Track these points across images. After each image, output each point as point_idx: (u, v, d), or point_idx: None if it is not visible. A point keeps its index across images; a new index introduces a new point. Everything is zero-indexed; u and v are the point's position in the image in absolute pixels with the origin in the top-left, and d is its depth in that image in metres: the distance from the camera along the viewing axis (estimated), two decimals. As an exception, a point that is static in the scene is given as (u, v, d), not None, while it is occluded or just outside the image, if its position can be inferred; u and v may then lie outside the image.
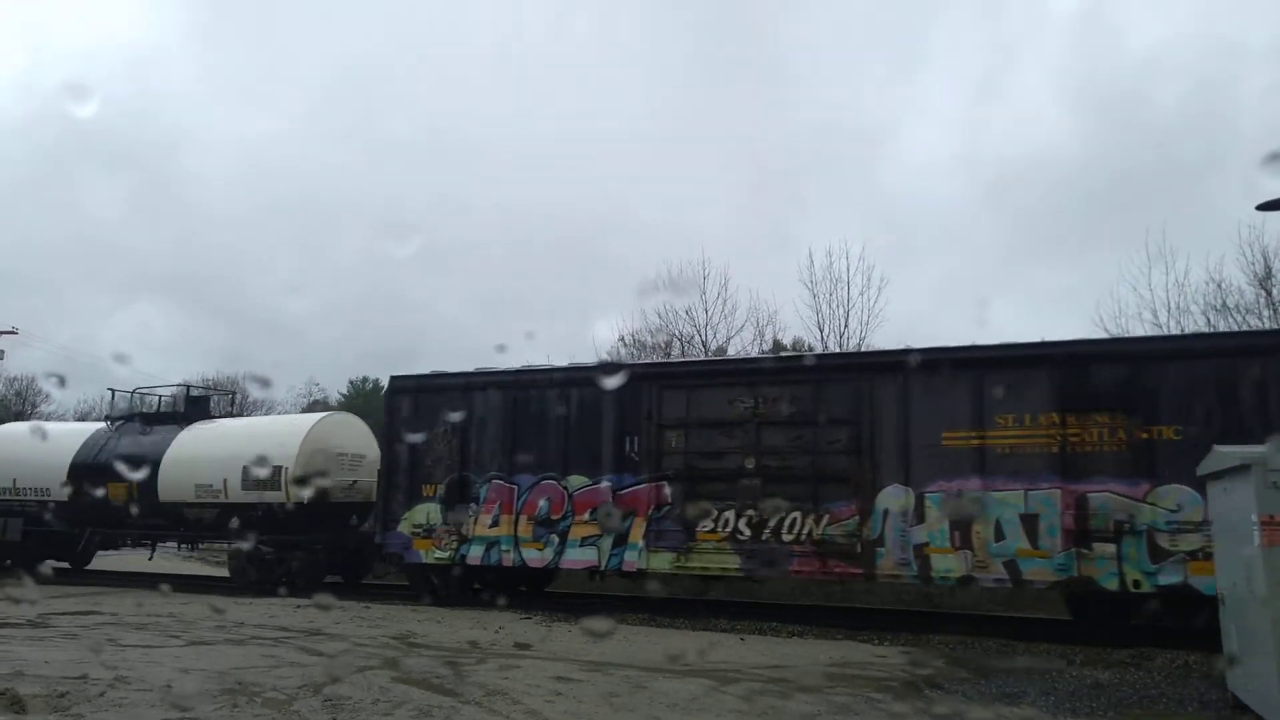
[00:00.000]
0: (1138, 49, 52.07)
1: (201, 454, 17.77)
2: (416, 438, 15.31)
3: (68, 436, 19.84)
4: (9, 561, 19.14)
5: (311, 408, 43.48)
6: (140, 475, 17.65)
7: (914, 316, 29.94)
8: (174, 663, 8.84)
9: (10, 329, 35.66)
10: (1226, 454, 7.71)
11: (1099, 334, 20.82)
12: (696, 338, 27.05)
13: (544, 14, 72.34)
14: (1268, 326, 18.76)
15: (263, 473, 16.74)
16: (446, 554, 14.92)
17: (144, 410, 20.11)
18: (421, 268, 61.61)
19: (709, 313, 26.77)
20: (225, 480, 17.21)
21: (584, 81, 67.40)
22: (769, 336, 27.53)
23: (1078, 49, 55.98)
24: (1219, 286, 19.61)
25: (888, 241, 53.98)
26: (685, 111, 62.51)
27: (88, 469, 18.50)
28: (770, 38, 62.37)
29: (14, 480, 19.40)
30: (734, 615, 13.37)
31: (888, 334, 29.48)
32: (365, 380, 49.98)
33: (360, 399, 45.62)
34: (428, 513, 15.12)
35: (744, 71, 61.47)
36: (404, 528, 15.33)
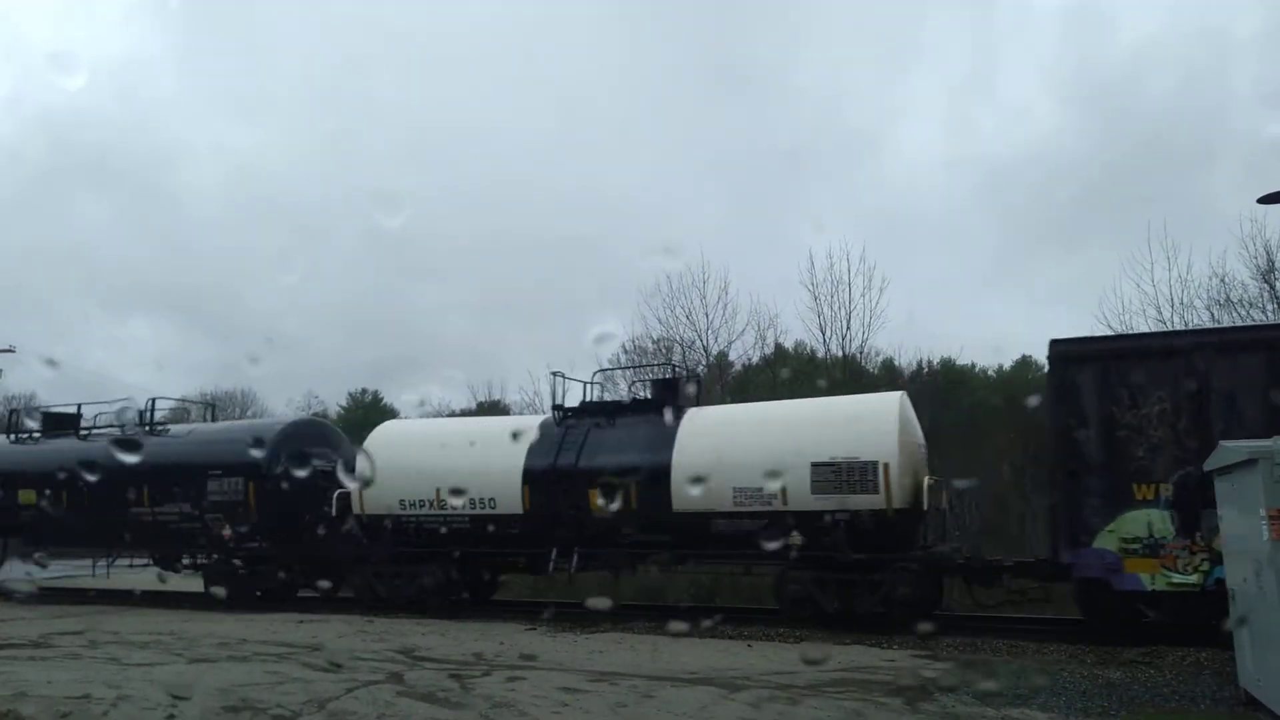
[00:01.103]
0: (1126, 41, 52.22)
1: (739, 448, 13.36)
2: (1118, 416, 11.23)
3: (500, 434, 15.78)
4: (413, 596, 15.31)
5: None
6: (636, 479, 13.70)
7: (912, 316, 29.91)
8: (178, 679, 8.76)
9: (7, 347, 35.57)
10: (1234, 448, 7.67)
11: (1102, 330, 20.82)
12: (698, 342, 27.02)
13: (533, 20, 72.51)
14: (1271, 321, 18.73)
15: (849, 470, 12.43)
16: (1191, 578, 10.81)
17: (601, 400, 16.32)
18: (416, 278, 61.41)
19: (710, 316, 26.76)
20: (784, 482, 12.66)
21: (576, 89, 67.56)
22: (770, 340, 27.52)
23: (1067, 42, 56.19)
24: (1222, 281, 19.60)
25: (884, 241, 53.94)
26: (678, 116, 62.68)
27: (553, 474, 14.49)
28: (759, 40, 62.55)
29: (436, 491, 15.22)
30: (740, 621, 13.28)
31: (890, 335, 29.53)
32: (364, 392, 49.86)
33: (360, 411, 45.49)
34: (1148, 521, 10.95)
35: (734, 75, 61.62)
36: (1107, 542, 11.11)
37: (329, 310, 58.81)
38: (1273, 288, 19.14)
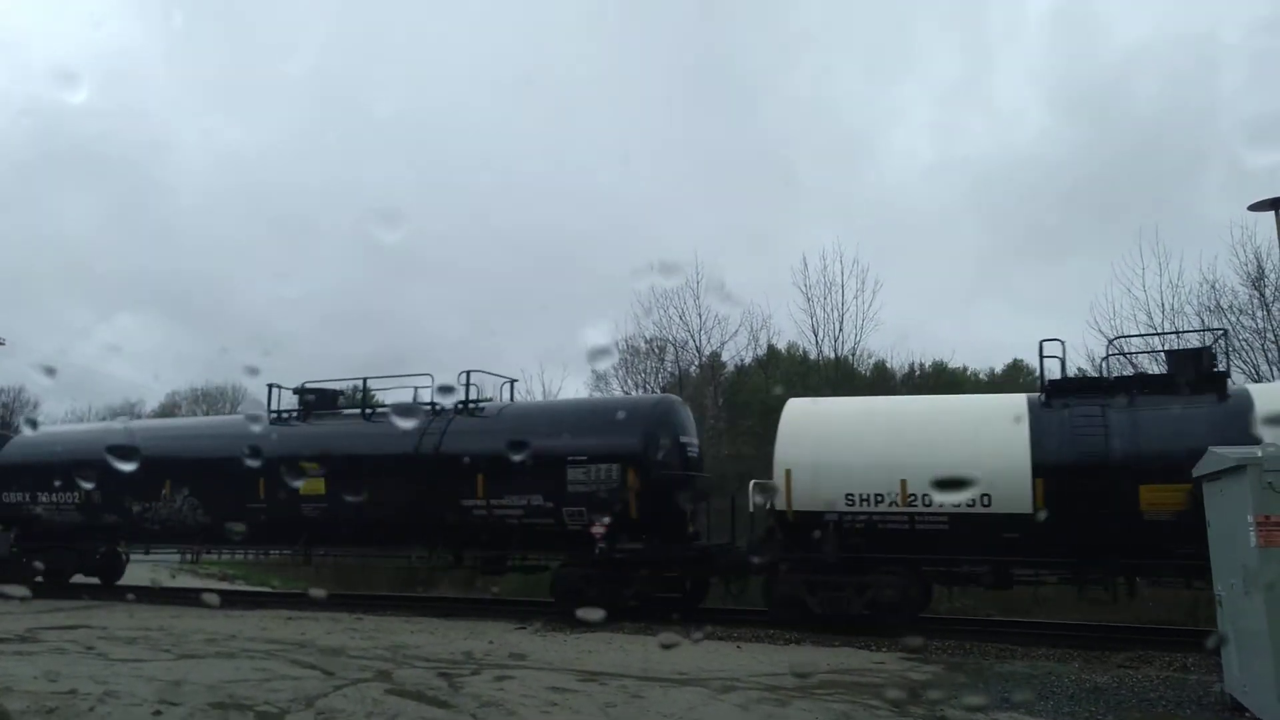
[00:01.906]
0: (1116, 45, 52.35)
1: None
2: None
3: (986, 415, 13.02)
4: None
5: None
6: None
7: (903, 320, 30.03)
8: (165, 675, 8.73)
9: (-2, 340, 35.32)
10: (1222, 455, 7.71)
11: (1093, 336, 20.91)
12: (690, 343, 27.04)
13: (525, 18, 72.31)
14: (1260, 327, 18.87)
15: None
16: None
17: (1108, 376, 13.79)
18: (409, 276, 61.12)
19: (702, 317, 26.77)
20: None
21: (567, 88, 67.42)
22: (763, 341, 27.56)
23: (1055, 47, 56.30)
24: (1213, 287, 19.70)
25: (874, 245, 54.06)
26: (668, 119, 62.61)
27: (1082, 466, 11.70)
28: (749, 44, 62.58)
29: (902, 484, 12.27)
30: (730, 623, 13.29)
31: (883, 338, 29.60)
32: (356, 391, 49.68)
33: (348, 405, 45.26)
34: None
35: (724, 78, 61.60)
36: None
37: (321, 306, 58.58)
38: (1262, 294, 19.26)
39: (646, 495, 13.53)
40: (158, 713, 7.09)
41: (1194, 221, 35.35)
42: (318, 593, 16.16)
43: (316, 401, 17.23)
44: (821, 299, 25.39)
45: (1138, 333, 20.11)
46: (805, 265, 25.75)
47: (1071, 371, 20.65)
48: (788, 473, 12.79)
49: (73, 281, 67.21)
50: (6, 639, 11.34)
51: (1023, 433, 12.02)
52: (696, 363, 27.46)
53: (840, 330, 25.25)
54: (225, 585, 22.77)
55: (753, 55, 61.45)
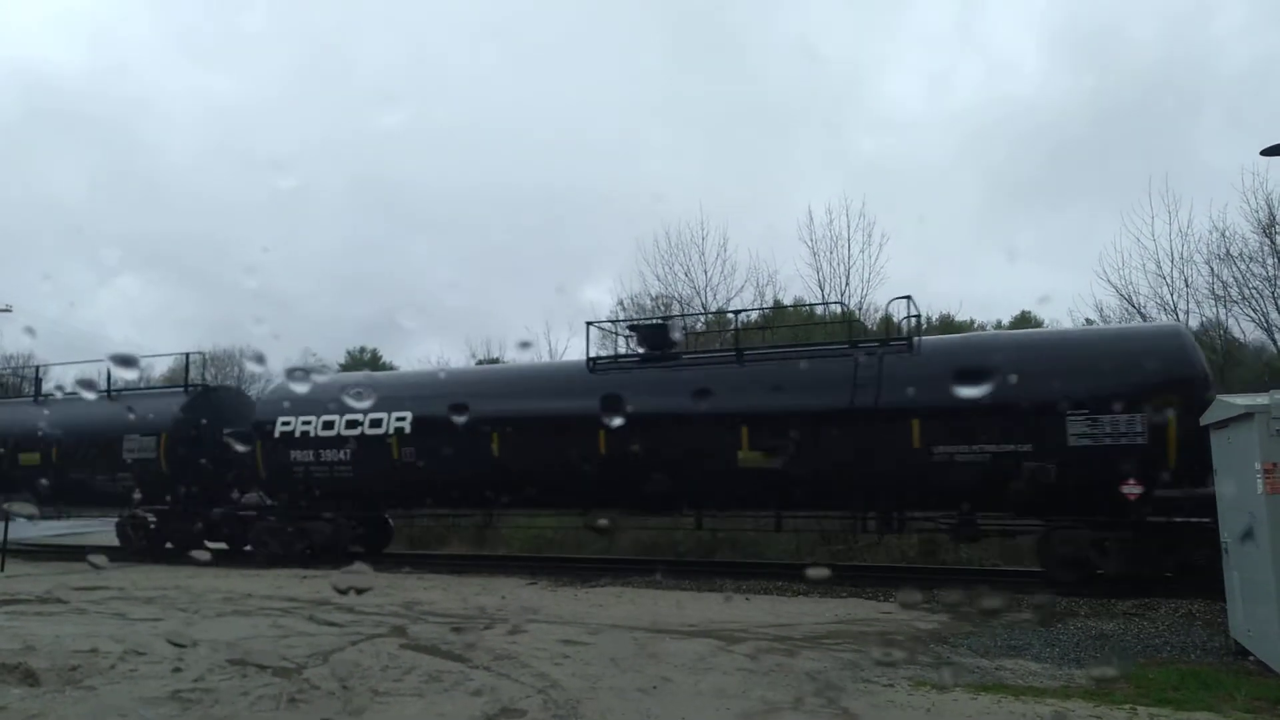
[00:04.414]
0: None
1: None
2: None
3: None
4: None
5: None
6: None
7: (907, 273, 29.89)
8: (183, 633, 8.88)
9: (4, 307, 35.47)
10: (1230, 403, 7.69)
11: (1101, 285, 20.78)
12: (696, 299, 26.96)
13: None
14: (1270, 274, 18.68)
15: None
16: None
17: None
18: (407, 232, 60.79)
19: (708, 274, 26.64)
20: None
21: (556, 44, 66.57)
22: (769, 296, 27.45)
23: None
24: (1223, 235, 19.45)
25: (873, 198, 53.51)
26: (670, 76, 61.85)
27: None
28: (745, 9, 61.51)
29: None
30: (740, 576, 13.43)
31: (890, 291, 29.39)
32: (362, 350, 49.76)
33: (361, 370, 45.43)
34: None
35: (712, 29, 60.63)
36: None
37: (320, 265, 58.43)
38: (1273, 241, 19.01)
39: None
40: (177, 669, 7.23)
41: (1198, 168, 34.99)
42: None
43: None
44: (828, 253, 25.25)
45: (1148, 282, 19.96)
46: (811, 219, 25.58)
47: (1080, 322, 20.67)
48: None
49: (70, 244, 67.17)
50: (28, 600, 11.55)
51: None
52: (702, 319, 27.39)
53: (847, 284, 25.13)
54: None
55: (741, 3, 60.39)
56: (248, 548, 17.10)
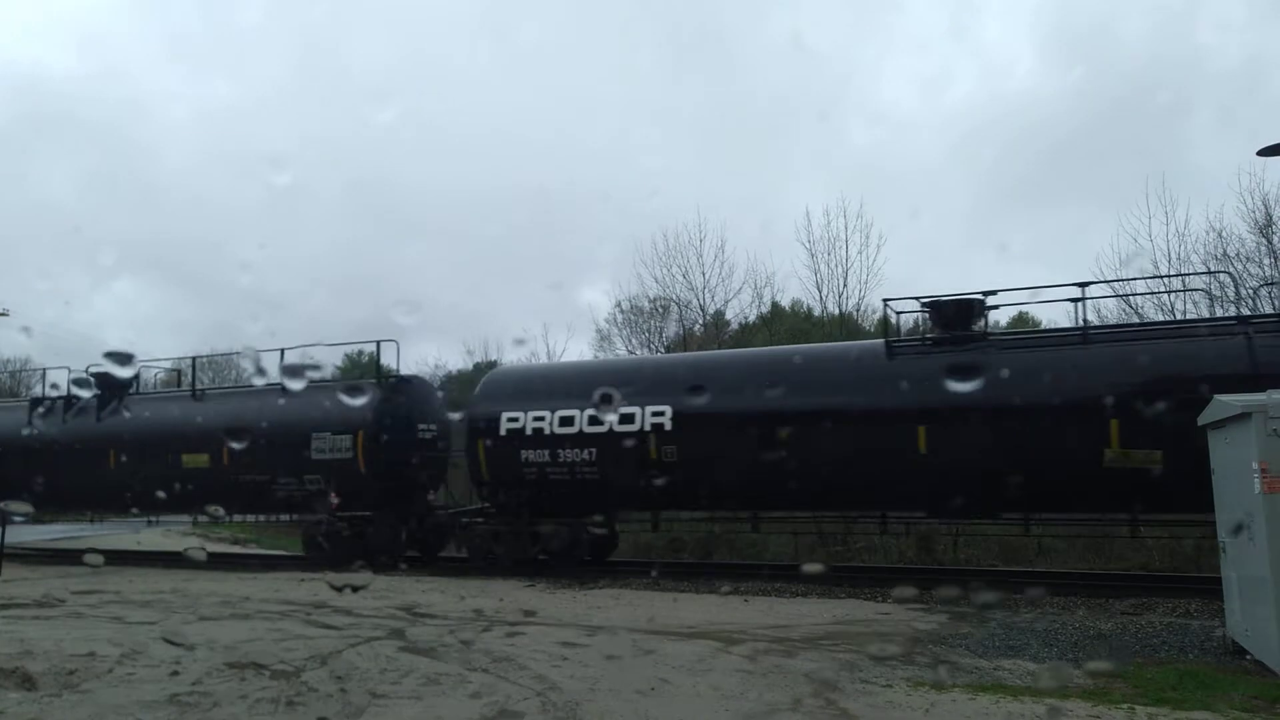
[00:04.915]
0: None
1: None
2: None
3: None
4: None
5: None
6: None
7: (902, 272, 29.94)
8: (180, 637, 8.85)
9: (1, 310, 35.39)
10: (1228, 403, 7.71)
11: (1101, 287, 20.76)
12: (694, 301, 26.98)
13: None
14: (1267, 275, 18.71)
15: None
16: None
17: None
18: (404, 234, 60.76)
19: (706, 275, 26.68)
20: None
21: (566, 46, 66.66)
22: (767, 298, 27.49)
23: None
24: (1220, 235, 19.48)
25: (864, 198, 53.62)
26: (664, 76, 61.92)
27: None
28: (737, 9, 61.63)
29: None
30: (738, 577, 13.43)
31: (886, 293, 29.41)
32: (360, 353, 49.64)
33: (357, 372, 45.34)
34: None
35: (704, 32, 60.74)
36: None
37: (315, 267, 58.32)
38: (1270, 241, 19.07)
39: None
40: (175, 673, 7.21)
41: (1190, 166, 35.12)
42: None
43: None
44: (825, 255, 25.29)
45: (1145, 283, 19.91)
46: (809, 221, 25.60)
47: (1076, 322, 20.67)
48: None
49: (65, 248, 67.05)
50: (25, 604, 11.52)
51: None
52: (700, 321, 27.43)
53: (845, 286, 25.17)
54: (239, 548, 23.04)
55: (730, 4, 60.52)
56: (462, 552, 15.74)
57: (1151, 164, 39.49)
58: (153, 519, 21.83)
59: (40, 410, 19.12)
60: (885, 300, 13.89)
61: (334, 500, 15.45)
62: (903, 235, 48.41)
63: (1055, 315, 24.26)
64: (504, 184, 57.42)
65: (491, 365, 24.83)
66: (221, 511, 18.78)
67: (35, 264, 57.92)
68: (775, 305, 28.22)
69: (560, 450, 14.15)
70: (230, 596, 12.14)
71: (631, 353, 27.23)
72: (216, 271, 57.37)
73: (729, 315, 28.01)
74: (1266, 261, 18.84)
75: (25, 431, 18.66)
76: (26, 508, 17.68)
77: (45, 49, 77.99)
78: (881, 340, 13.22)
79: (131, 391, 18.60)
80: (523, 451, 14.38)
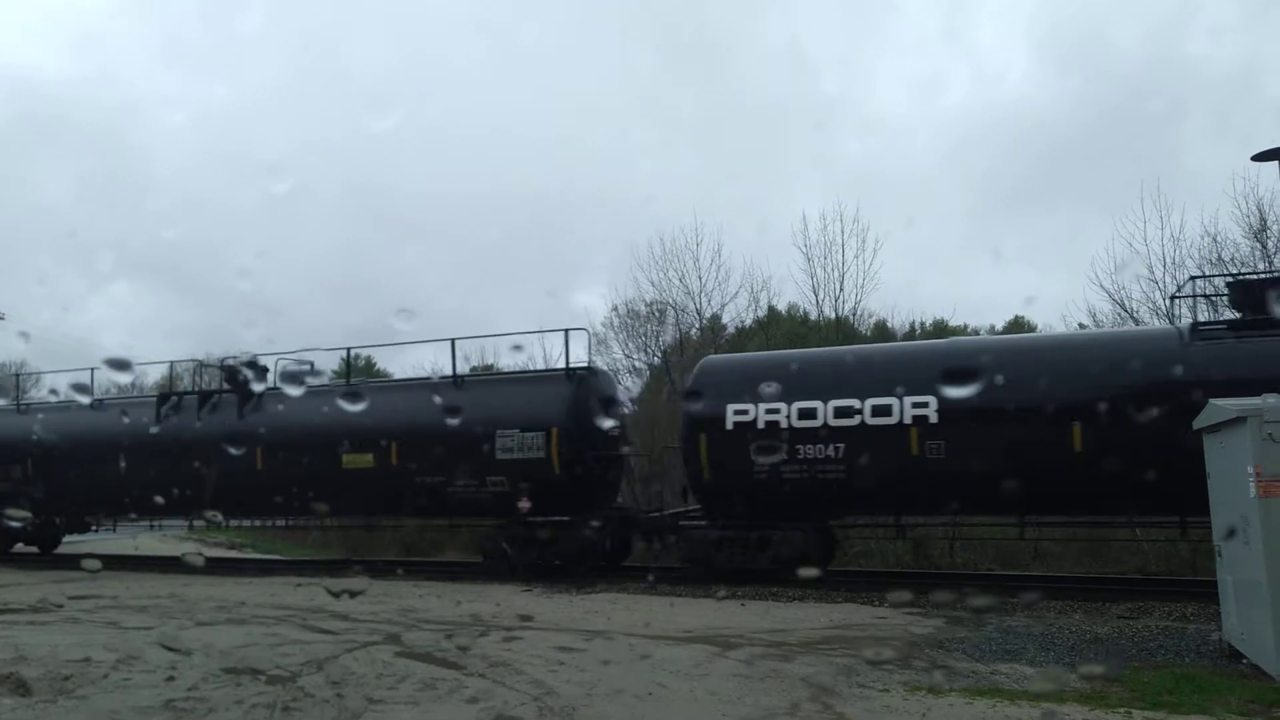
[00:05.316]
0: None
1: None
2: None
3: None
4: None
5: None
6: None
7: (897, 277, 30.05)
8: (176, 642, 8.83)
9: (-2, 315, 35.23)
10: (1223, 407, 7.72)
11: (1093, 290, 20.79)
12: (691, 305, 27.00)
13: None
14: (1263, 278, 18.76)
15: None
16: None
17: None
18: (401, 237, 60.69)
19: (703, 279, 26.70)
20: None
21: (562, 49, 66.72)
22: (764, 303, 27.53)
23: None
24: (1214, 240, 19.54)
25: (863, 202, 53.74)
26: (659, 80, 62.00)
27: None
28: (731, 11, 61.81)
29: None
30: (735, 582, 13.41)
31: (883, 298, 29.54)
32: (357, 357, 49.51)
33: (355, 378, 45.22)
34: None
35: (698, 36, 60.84)
36: None
37: (312, 271, 58.19)
38: (1264, 246, 19.13)
39: None
40: (171, 678, 7.20)
41: (1184, 171, 35.24)
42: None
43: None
44: (822, 259, 25.33)
45: (1140, 287, 19.94)
46: (805, 225, 25.66)
47: (1071, 326, 20.73)
48: None
49: (61, 251, 66.92)
50: (20, 609, 11.48)
51: None
52: (697, 325, 27.45)
53: (841, 290, 25.21)
54: (235, 553, 23.01)
55: (726, 8, 60.68)
56: (660, 561, 14.42)
57: (1146, 169, 39.64)
58: (316, 522, 19.69)
59: (168, 407, 17.52)
60: (1192, 277, 12.78)
61: (524, 504, 14.09)
62: (899, 240, 48.58)
63: (1052, 320, 24.23)
64: (502, 187, 57.36)
65: (489, 369, 24.75)
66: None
67: (31, 268, 57.82)
68: (772, 309, 28.26)
69: (800, 446, 12.57)
70: (227, 601, 12.12)
71: (629, 357, 27.23)
72: (214, 275, 57.25)
73: (725, 319, 28.04)
74: (1261, 265, 18.89)
75: (154, 430, 17.04)
76: (25, 514, 17.30)
77: (41, 51, 77.93)
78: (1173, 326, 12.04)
79: (271, 387, 16.70)
80: (752, 447, 12.89)
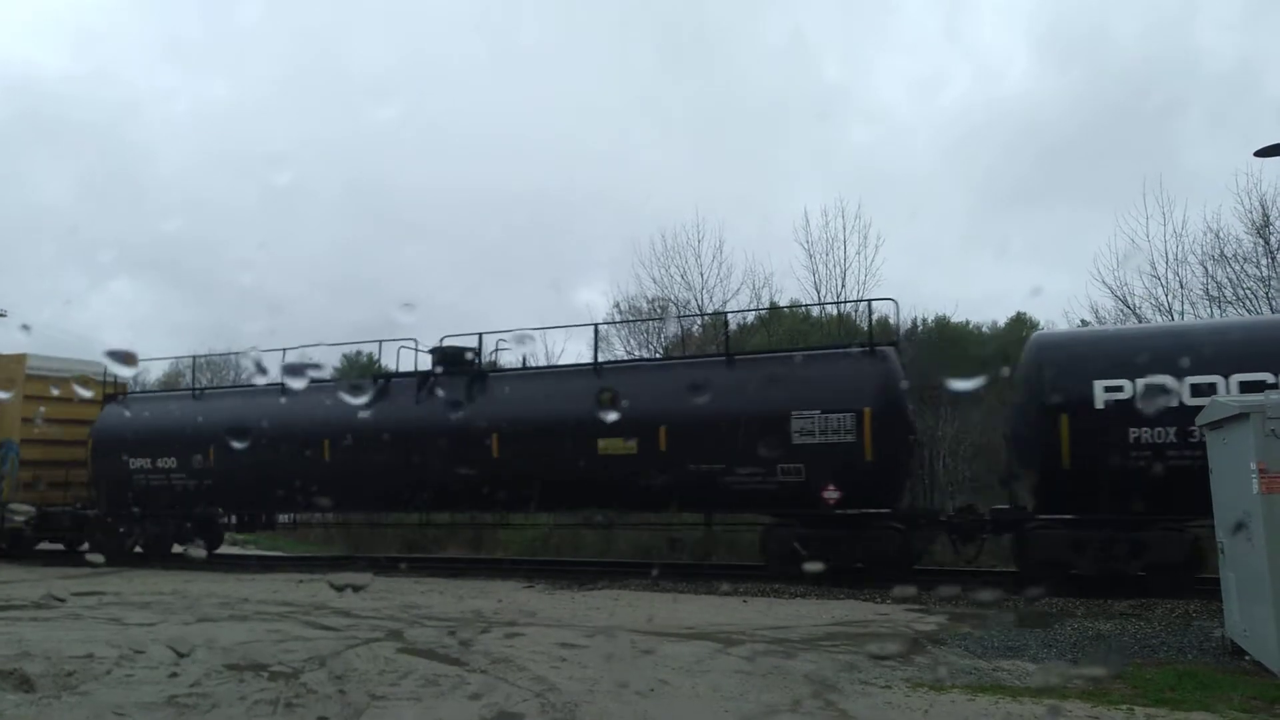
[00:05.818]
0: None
1: None
2: None
3: None
4: None
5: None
6: None
7: (899, 274, 29.99)
8: (179, 638, 8.84)
9: None
10: (1226, 403, 7.71)
11: (1095, 287, 20.72)
12: (692, 301, 26.98)
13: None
14: (1264, 275, 18.74)
15: None
16: None
17: None
18: (402, 235, 60.64)
19: (705, 276, 26.66)
20: None
21: (562, 46, 66.66)
22: (765, 298, 27.50)
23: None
24: (1217, 236, 19.50)
25: (865, 198, 53.66)
26: (660, 76, 61.92)
27: None
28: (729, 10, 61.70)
29: None
30: (737, 578, 13.43)
31: (885, 293, 29.45)
32: (359, 354, 49.59)
33: (355, 374, 45.29)
34: None
35: (697, 32, 60.77)
36: None
37: (312, 268, 58.14)
38: (1267, 242, 19.09)
39: None
40: (174, 674, 7.21)
41: (1184, 167, 35.17)
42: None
43: None
44: (824, 255, 25.29)
45: (1143, 284, 19.83)
46: (807, 221, 25.61)
47: (1074, 323, 20.71)
48: None
49: (62, 248, 66.94)
50: (23, 605, 11.50)
51: None
52: (698, 322, 27.42)
53: (843, 286, 25.17)
54: (237, 550, 23.03)
55: (725, 7, 60.59)
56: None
57: (1148, 165, 39.40)
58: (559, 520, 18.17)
59: (375, 391, 15.99)
60: None
61: (832, 495, 12.52)
62: (901, 236, 48.41)
63: (1053, 316, 24.21)
64: (502, 184, 57.33)
65: (493, 365, 24.61)
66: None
67: (33, 264, 57.85)
68: (773, 305, 28.20)
69: (1192, 428, 10.03)
70: (229, 598, 12.14)
71: (630, 354, 27.17)
72: (215, 272, 57.24)
73: (727, 315, 27.97)
74: (1264, 262, 18.87)
75: (363, 415, 15.56)
76: (27, 509, 17.16)
77: (40, 49, 77.87)
78: None
79: (492, 367, 15.59)
80: (1130, 430, 11.13)
